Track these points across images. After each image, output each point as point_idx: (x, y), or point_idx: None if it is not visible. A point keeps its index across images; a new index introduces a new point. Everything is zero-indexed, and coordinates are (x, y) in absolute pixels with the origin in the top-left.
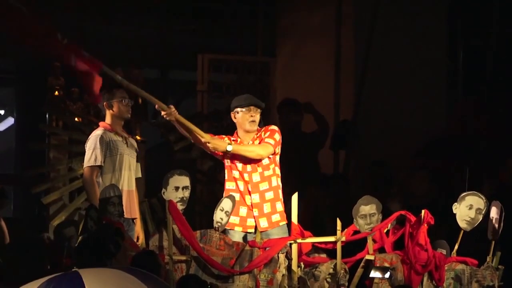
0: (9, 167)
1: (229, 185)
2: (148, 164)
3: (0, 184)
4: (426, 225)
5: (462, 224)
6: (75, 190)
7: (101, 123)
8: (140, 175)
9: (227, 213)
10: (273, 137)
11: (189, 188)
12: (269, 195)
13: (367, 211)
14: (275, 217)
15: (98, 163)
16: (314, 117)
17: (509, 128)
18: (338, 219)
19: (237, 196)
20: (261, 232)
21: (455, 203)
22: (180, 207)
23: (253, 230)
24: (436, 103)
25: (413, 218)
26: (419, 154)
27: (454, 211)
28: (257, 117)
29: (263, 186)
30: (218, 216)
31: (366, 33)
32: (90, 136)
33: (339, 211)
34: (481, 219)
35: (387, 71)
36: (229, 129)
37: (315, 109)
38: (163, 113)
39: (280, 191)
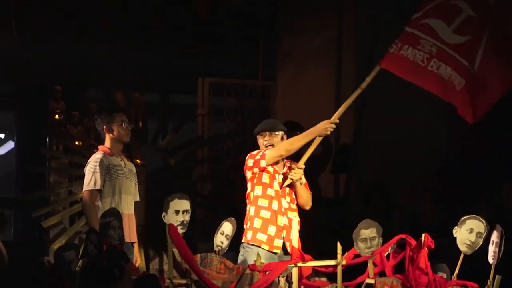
0: (10, 191)
1: (261, 202)
2: (149, 187)
3: (1, 208)
4: (426, 248)
5: (462, 247)
6: (75, 213)
7: (100, 147)
8: (138, 199)
9: (228, 236)
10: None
11: (190, 211)
12: (295, 224)
13: (367, 234)
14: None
15: (98, 187)
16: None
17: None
18: (338, 243)
19: (267, 215)
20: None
21: (456, 227)
22: (180, 230)
23: (279, 251)
24: (436, 126)
25: (413, 242)
26: (427, 178)
27: (455, 235)
28: (274, 140)
29: (290, 214)
30: (219, 239)
31: (366, 57)
32: (89, 160)
33: (339, 235)
34: (481, 243)
35: (387, 95)
36: (230, 153)
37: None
38: (333, 122)
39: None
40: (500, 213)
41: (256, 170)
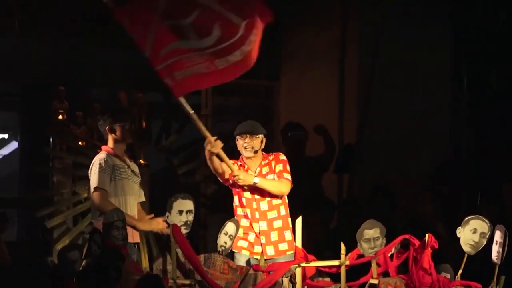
0: (13, 191)
1: (239, 211)
2: (152, 188)
3: (4, 208)
4: (430, 249)
5: (466, 248)
6: (79, 214)
7: (103, 147)
8: (143, 199)
9: (231, 237)
10: (288, 170)
11: (193, 212)
12: (277, 223)
13: (371, 235)
14: (283, 246)
15: (105, 187)
16: (324, 140)
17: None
18: (342, 243)
19: (247, 223)
20: (267, 259)
21: (459, 227)
22: (184, 231)
23: (259, 257)
24: (440, 127)
25: (417, 242)
26: (428, 178)
27: (458, 235)
28: (254, 143)
29: (272, 214)
30: (222, 240)
31: (370, 57)
32: (94, 160)
33: (343, 235)
34: (485, 243)
35: (391, 94)
36: (235, 153)
37: (326, 132)
38: (207, 144)
39: (289, 220)
40: (501, 213)
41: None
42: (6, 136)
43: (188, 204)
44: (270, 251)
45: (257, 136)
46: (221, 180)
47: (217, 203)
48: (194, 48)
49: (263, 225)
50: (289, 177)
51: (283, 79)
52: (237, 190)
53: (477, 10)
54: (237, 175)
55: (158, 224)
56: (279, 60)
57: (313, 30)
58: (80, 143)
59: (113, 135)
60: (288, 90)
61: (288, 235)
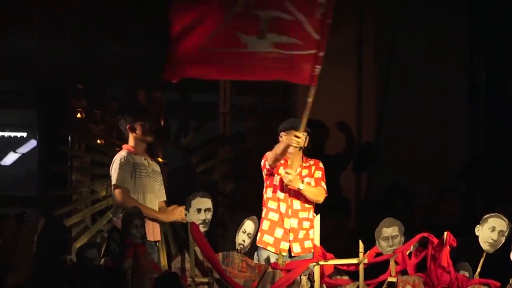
0: (32, 189)
1: (271, 204)
2: (170, 186)
3: (23, 207)
4: (448, 247)
5: (484, 246)
6: (97, 212)
7: (124, 146)
8: (164, 198)
9: (249, 235)
10: (324, 180)
11: (211, 210)
12: (306, 224)
13: (389, 233)
14: (308, 243)
15: (126, 185)
16: (346, 136)
17: None
18: (360, 241)
19: (276, 217)
20: (293, 257)
21: (478, 225)
22: (202, 229)
23: (285, 254)
24: (458, 123)
25: (435, 240)
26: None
27: (477, 233)
28: (299, 140)
29: (303, 214)
30: (241, 238)
31: (387, 53)
32: (114, 158)
33: (361, 233)
34: (503, 241)
35: (408, 91)
36: (251, 151)
37: (344, 130)
38: (300, 135)
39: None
40: None
41: (265, 171)
42: (24, 134)
43: (207, 202)
44: (296, 248)
45: (304, 132)
46: (268, 166)
47: (235, 201)
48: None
49: (294, 223)
50: (325, 187)
51: None
52: (274, 183)
53: (493, 6)
54: (290, 174)
55: (181, 213)
56: None
57: (331, 28)
58: (98, 141)
59: (134, 133)
60: (306, 89)
61: (312, 233)
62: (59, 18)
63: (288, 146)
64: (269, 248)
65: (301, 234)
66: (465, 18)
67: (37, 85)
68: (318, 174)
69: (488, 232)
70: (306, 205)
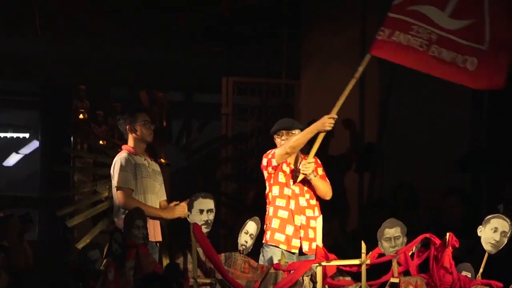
0: (34, 190)
1: (279, 202)
2: (172, 187)
3: (26, 208)
4: (451, 248)
5: (487, 247)
6: (99, 213)
7: (124, 146)
8: (165, 197)
9: (252, 236)
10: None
11: (214, 211)
12: (313, 223)
13: (391, 234)
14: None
15: (130, 186)
16: (350, 137)
17: None
18: (362, 242)
19: (285, 215)
20: (305, 254)
21: (480, 226)
22: (204, 230)
23: (297, 251)
24: (460, 123)
25: (438, 241)
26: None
27: (479, 234)
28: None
29: (309, 212)
30: (243, 239)
31: None
32: (115, 160)
33: (363, 234)
34: (506, 242)
35: (411, 92)
36: (254, 152)
37: (351, 129)
38: (335, 116)
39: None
40: None
41: (270, 169)
42: (27, 135)
43: (209, 203)
44: (305, 247)
45: (293, 132)
46: (275, 163)
47: (237, 202)
48: (432, 20)
49: (303, 220)
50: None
51: (303, 78)
52: (280, 181)
53: None
54: (311, 162)
55: (183, 209)
56: (299, 59)
57: (333, 29)
58: (100, 142)
59: (134, 134)
60: (309, 89)
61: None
62: (63, 19)
63: (317, 132)
64: (281, 246)
65: (311, 234)
66: None
67: (40, 86)
68: (321, 170)
69: (491, 233)
70: (311, 201)
